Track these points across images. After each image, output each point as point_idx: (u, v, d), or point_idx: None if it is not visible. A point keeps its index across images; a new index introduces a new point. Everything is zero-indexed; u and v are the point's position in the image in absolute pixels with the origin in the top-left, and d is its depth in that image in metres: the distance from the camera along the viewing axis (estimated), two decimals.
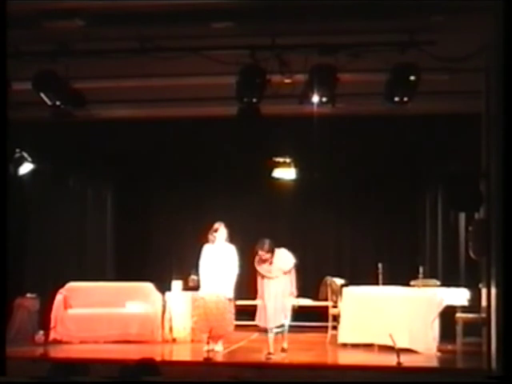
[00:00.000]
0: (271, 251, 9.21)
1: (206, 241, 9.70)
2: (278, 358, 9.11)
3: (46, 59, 7.50)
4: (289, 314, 9.36)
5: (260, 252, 9.21)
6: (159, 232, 13.17)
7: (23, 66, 7.33)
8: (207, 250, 9.67)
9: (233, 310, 9.72)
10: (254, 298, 11.03)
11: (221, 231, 9.64)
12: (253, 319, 10.85)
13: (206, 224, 13.03)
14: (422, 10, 6.84)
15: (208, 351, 8.73)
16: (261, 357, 9.10)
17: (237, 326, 11.59)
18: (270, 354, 9.12)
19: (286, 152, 11.44)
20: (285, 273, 9.31)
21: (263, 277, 9.36)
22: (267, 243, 9.21)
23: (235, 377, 4.92)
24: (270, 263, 9.27)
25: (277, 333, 9.31)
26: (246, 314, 11.60)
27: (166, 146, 11.38)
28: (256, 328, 10.96)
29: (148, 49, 7.44)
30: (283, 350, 9.34)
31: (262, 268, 9.32)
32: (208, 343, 8.95)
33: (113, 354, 9.26)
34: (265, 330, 9.40)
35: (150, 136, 10.85)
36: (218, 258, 9.56)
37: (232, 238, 13.17)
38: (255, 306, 9.88)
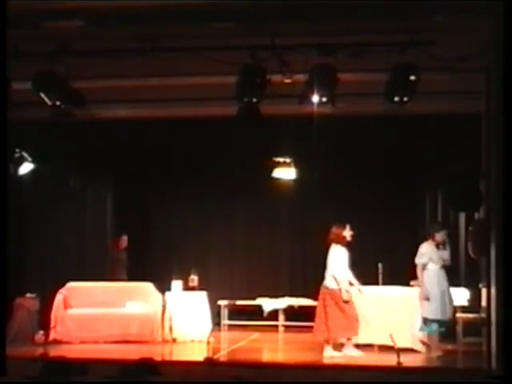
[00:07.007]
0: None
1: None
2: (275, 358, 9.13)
3: (46, 59, 7.49)
4: None
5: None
6: (159, 232, 13.16)
7: (23, 66, 7.32)
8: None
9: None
10: (254, 298, 11.04)
11: None
12: (253, 319, 10.83)
13: (205, 223, 13.06)
14: (422, 10, 6.84)
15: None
16: (261, 357, 9.10)
17: (237, 326, 11.62)
18: None
19: (286, 152, 11.44)
20: None
21: None
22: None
23: (237, 377, 4.91)
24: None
25: None
26: (247, 314, 11.62)
27: (165, 145, 11.38)
28: (256, 328, 10.97)
29: (148, 49, 7.44)
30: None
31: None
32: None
33: (113, 353, 9.25)
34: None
35: (150, 136, 10.85)
36: None
37: (232, 238, 13.15)
38: (256, 306, 9.83)
